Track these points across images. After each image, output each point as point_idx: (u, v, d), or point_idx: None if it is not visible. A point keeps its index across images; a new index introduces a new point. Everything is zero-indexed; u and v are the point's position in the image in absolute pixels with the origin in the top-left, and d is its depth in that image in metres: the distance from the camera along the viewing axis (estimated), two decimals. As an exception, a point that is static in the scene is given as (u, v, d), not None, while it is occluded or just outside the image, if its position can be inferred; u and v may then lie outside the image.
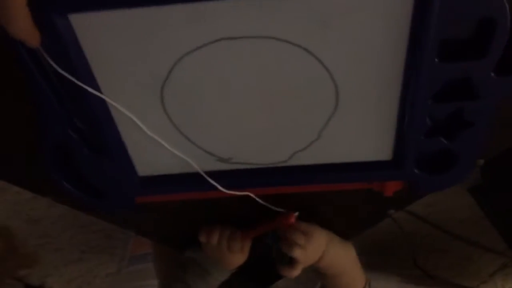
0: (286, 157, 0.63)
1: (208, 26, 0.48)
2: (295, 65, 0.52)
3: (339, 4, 0.46)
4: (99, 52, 0.51)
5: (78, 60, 0.50)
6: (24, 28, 0.44)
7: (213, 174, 0.65)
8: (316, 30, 0.48)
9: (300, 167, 0.64)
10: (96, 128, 0.58)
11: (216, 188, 0.64)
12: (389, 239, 1.69)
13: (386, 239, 1.69)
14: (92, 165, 0.62)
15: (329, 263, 0.73)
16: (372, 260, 1.70)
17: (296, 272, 0.69)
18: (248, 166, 0.64)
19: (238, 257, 0.74)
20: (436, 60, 0.50)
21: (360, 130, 0.59)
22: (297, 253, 0.67)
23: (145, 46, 0.50)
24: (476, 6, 0.46)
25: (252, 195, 0.67)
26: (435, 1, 0.45)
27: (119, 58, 0.51)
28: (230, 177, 0.65)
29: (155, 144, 0.61)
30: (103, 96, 0.54)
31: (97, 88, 0.54)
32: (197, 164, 0.63)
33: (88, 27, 0.48)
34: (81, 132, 0.59)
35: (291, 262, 0.70)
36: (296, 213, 0.70)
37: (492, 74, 0.51)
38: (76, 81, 0.50)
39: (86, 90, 0.52)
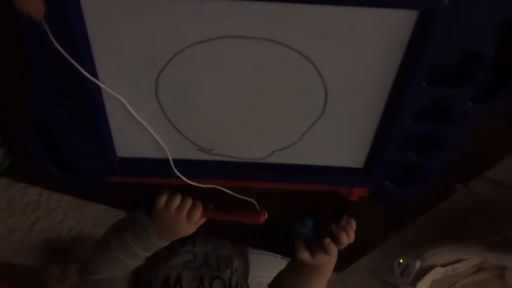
0: (265, 154, 0.65)
1: (216, 22, 0.49)
2: (292, 69, 0.54)
3: (343, 19, 0.49)
4: (102, 31, 0.50)
5: (79, 36, 0.50)
6: (33, 1, 0.43)
7: (190, 162, 0.66)
8: (318, 39, 0.51)
9: (276, 165, 0.66)
10: (84, 106, 0.57)
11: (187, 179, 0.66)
12: (466, 208, 1.63)
13: (463, 208, 1.63)
14: (73, 143, 0.62)
15: None
16: (450, 231, 1.67)
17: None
18: (227, 159, 0.66)
19: (190, 227, 0.74)
20: (423, 83, 0.53)
21: (340, 137, 0.62)
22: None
23: (150, 32, 0.50)
24: (470, 41, 0.49)
25: (223, 188, 0.69)
26: (433, 31, 0.48)
27: (121, 39, 0.51)
28: (207, 167, 0.66)
29: (140, 127, 0.61)
30: (97, 82, 0.54)
31: (93, 66, 0.53)
32: (177, 151, 0.64)
33: (96, 7, 0.48)
34: (67, 109, 0.58)
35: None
36: (266, 215, 0.73)
37: (469, 102, 0.56)
38: (73, 61, 0.50)
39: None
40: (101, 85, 0.54)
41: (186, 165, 0.65)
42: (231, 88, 0.56)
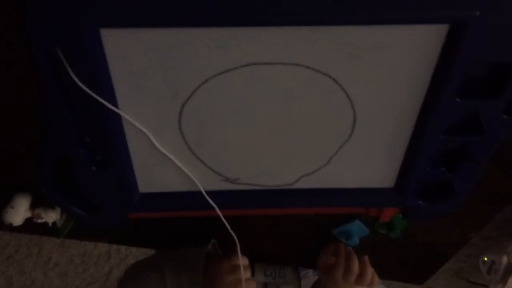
0: (293, 180, 0.63)
1: (239, 50, 0.48)
2: (320, 93, 0.52)
3: (371, 38, 0.47)
4: (124, 68, 0.49)
5: (101, 74, 0.48)
6: None
7: (215, 193, 0.64)
8: (346, 60, 0.49)
9: (304, 190, 0.64)
10: (106, 143, 0.55)
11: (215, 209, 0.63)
12: None
13: None
14: (93, 180, 0.60)
15: None
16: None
17: None
18: (253, 187, 0.64)
19: None
20: (456, 97, 0.51)
21: (369, 158, 0.60)
22: None
23: (173, 66, 0.49)
24: (502, 52, 0.48)
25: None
26: (465, 44, 0.46)
27: (143, 75, 0.50)
28: (233, 197, 0.64)
29: (163, 161, 0.59)
30: (122, 113, 0.52)
31: (115, 103, 0.52)
32: (202, 183, 0.62)
33: (118, 43, 0.47)
34: (88, 146, 0.56)
35: None
36: None
37: (502, 113, 0.54)
38: (97, 97, 0.49)
39: (103, 105, 0.50)
40: (124, 115, 0.53)
41: (210, 197, 0.63)
42: (257, 115, 0.54)
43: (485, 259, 1.41)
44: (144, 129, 0.54)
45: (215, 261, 0.74)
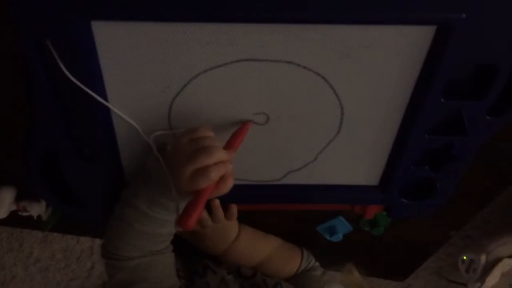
0: (280, 176, 0.64)
1: (231, 46, 0.48)
2: (309, 90, 0.53)
3: (360, 38, 0.48)
4: (115, 61, 0.49)
5: (91, 67, 0.48)
6: None
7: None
8: (335, 59, 0.50)
9: (291, 186, 0.65)
10: (94, 137, 0.55)
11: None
12: None
13: None
14: (80, 174, 0.60)
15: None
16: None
17: None
18: (241, 182, 0.64)
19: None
20: (441, 98, 0.53)
21: (355, 156, 0.61)
22: None
23: (164, 60, 0.49)
24: (486, 54, 0.49)
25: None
26: (451, 46, 0.48)
27: (134, 68, 0.50)
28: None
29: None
30: (111, 106, 0.52)
31: (104, 96, 0.52)
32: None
33: (109, 36, 0.47)
34: (75, 140, 0.56)
35: None
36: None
37: (485, 115, 0.55)
38: (87, 89, 0.49)
39: (92, 98, 0.50)
40: (114, 108, 0.53)
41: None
42: (246, 111, 0.55)
43: (464, 258, 1.43)
44: (133, 123, 0.54)
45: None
